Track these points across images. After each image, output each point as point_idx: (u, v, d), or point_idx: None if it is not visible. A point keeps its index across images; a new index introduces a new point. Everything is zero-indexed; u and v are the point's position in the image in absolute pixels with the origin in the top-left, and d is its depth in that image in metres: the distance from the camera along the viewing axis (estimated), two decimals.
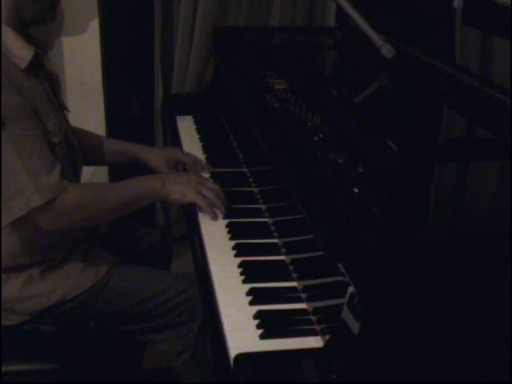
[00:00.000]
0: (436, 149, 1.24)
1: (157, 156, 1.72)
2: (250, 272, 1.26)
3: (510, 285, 0.93)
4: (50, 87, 1.43)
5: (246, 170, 1.68)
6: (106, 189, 1.47)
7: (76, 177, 1.53)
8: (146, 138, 2.60)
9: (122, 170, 1.85)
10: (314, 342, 1.08)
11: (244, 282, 1.24)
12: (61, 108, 1.47)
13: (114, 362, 1.60)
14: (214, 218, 1.44)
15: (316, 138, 1.31)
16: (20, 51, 1.31)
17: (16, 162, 1.25)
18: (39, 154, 1.27)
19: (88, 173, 2.41)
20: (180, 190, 1.45)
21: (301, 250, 1.25)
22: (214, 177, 1.65)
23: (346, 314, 0.97)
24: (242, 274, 1.26)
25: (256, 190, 1.58)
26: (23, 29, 1.36)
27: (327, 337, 1.04)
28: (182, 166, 1.74)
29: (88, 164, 1.74)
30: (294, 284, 1.24)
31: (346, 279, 0.97)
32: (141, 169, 1.71)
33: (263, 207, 1.51)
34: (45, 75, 1.42)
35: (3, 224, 1.30)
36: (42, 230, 1.32)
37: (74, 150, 1.49)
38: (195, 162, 1.72)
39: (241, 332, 1.10)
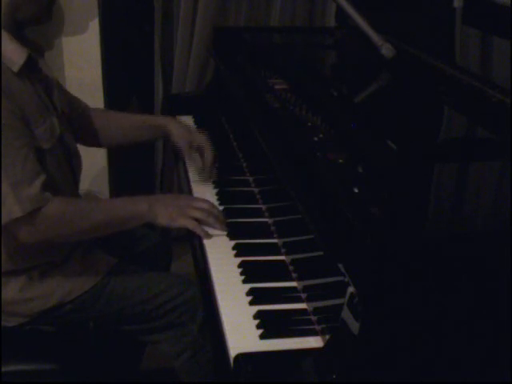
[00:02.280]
0: (436, 149, 1.24)
1: (182, 134, 1.69)
2: (250, 272, 1.26)
3: (510, 285, 0.93)
4: (44, 89, 1.41)
5: (246, 170, 1.68)
6: (90, 206, 1.42)
7: (74, 182, 1.51)
8: None
9: (123, 179, 1.82)
10: (314, 341, 1.08)
11: (244, 281, 1.24)
12: (55, 111, 1.42)
13: (113, 362, 1.60)
14: (207, 237, 1.37)
15: (316, 138, 1.31)
16: (13, 54, 1.28)
17: None
18: (23, 163, 1.24)
19: (88, 179, 2.41)
20: (167, 214, 1.38)
21: (301, 250, 1.25)
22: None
23: (346, 314, 0.96)
24: (242, 273, 1.26)
25: (256, 190, 1.57)
26: (18, 30, 1.34)
27: (327, 337, 1.04)
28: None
29: (111, 146, 1.77)
30: (294, 284, 1.24)
31: (346, 279, 0.97)
32: (140, 175, 1.68)
33: (263, 207, 1.50)
34: (39, 77, 1.40)
35: None
36: (21, 242, 1.29)
37: (71, 154, 1.47)
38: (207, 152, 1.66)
39: (241, 332, 1.10)
